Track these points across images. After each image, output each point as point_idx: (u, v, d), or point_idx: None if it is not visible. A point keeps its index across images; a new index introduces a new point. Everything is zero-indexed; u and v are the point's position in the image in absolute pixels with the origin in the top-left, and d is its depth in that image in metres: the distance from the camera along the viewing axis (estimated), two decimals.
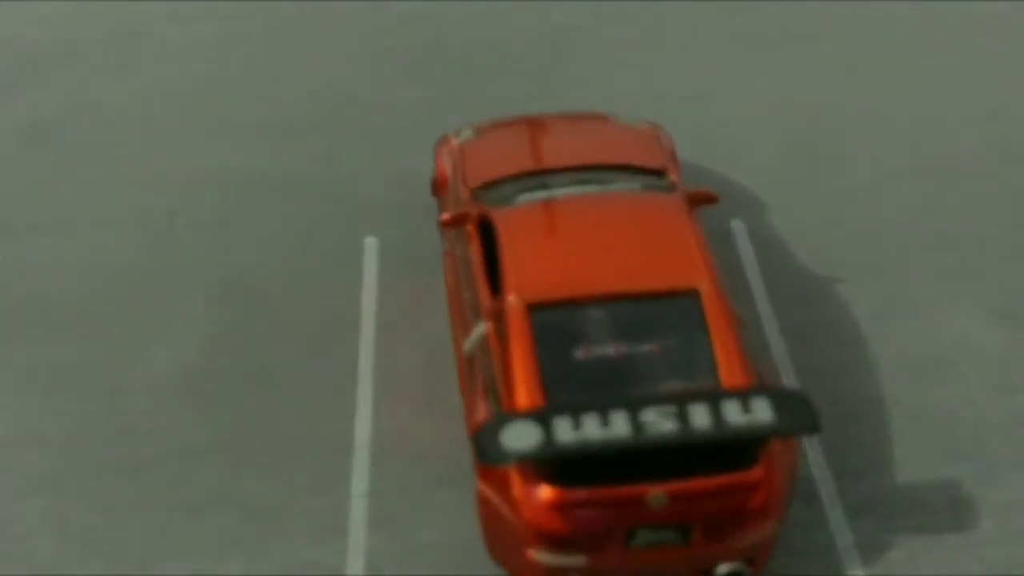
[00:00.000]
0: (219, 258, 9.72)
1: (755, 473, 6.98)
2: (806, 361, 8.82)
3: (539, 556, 6.96)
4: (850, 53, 12.22)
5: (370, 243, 9.80)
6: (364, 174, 10.57)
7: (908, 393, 8.50)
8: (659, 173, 9.05)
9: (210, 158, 10.81)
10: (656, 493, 6.83)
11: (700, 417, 6.77)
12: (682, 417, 6.76)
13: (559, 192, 8.44)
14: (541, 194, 8.43)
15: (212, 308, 9.25)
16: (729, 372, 7.30)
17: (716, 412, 6.80)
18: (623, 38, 12.38)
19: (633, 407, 6.81)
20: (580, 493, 6.84)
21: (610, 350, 7.41)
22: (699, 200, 8.71)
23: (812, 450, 8.16)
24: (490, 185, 8.91)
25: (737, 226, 10.06)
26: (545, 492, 6.88)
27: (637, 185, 8.68)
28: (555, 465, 6.91)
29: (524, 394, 7.17)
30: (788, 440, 7.32)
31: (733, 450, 7.03)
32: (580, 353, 7.39)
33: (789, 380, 8.67)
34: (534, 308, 7.51)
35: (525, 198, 8.40)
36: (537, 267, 7.75)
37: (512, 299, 7.55)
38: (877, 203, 10.22)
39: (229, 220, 10.11)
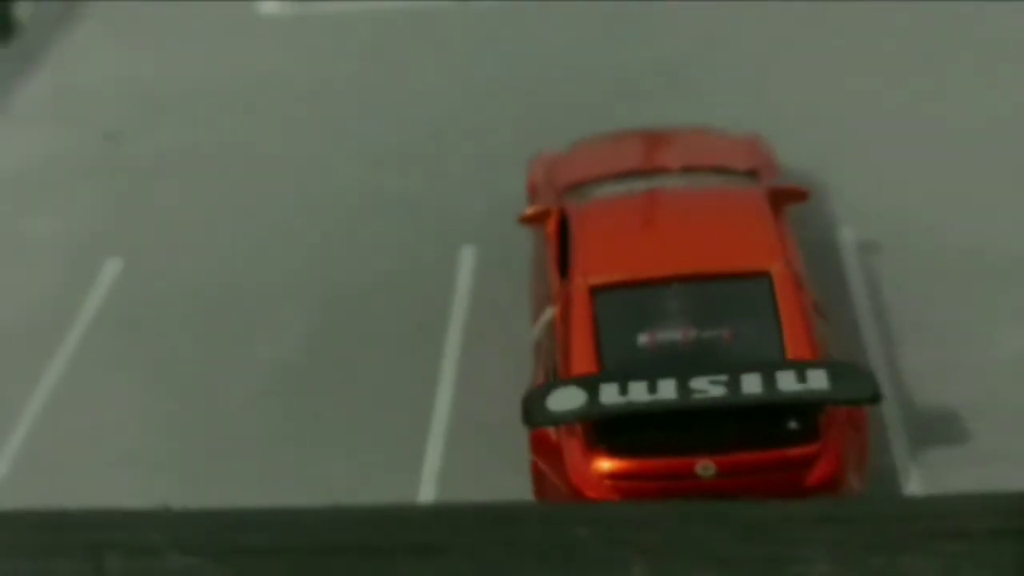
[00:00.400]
0: (327, 267, 10.12)
1: (811, 449, 6.79)
2: (906, 363, 8.54)
3: None
4: (970, 70, 11.95)
5: (467, 253, 10.06)
6: (469, 193, 10.89)
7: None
8: (749, 174, 9.01)
9: (333, 180, 11.33)
10: (706, 463, 6.72)
11: (751, 384, 6.66)
12: (733, 384, 6.66)
13: (638, 187, 8.50)
14: (620, 188, 8.51)
15: (315, 313, 9.62)
16: (796, 353, 7.14)
17: (770, 380, 6.67)
18: (734, 61, 12.43)
19: (684, 375, 6.74)
20: (630, 463, 6.79)
21: (676, 331, 7.34)
22: (785, 196, 8.59)
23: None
24: (577, 186, 9.04)
25: (846, 233, 9.85)
26: (596, 462, 6.85)
27: (721, 182, 8.66)
28: (607, 436, 6.87)
29: (579, 367, 7.19)
30: (857, 421, 7.10)
31: (793, 428, 6.85)
32: (644, 333, 7.36)
33: (885, 382, 8.38)
34: (597, 289, 7.55)
35: (604, 192, 8.49)
36: (604, 252, 7.82)
37: (577, 281, 7.61)
38: (991, 215, 9.90)
39: (342, 233, 10.53)
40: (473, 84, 12.56)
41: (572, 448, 6.93)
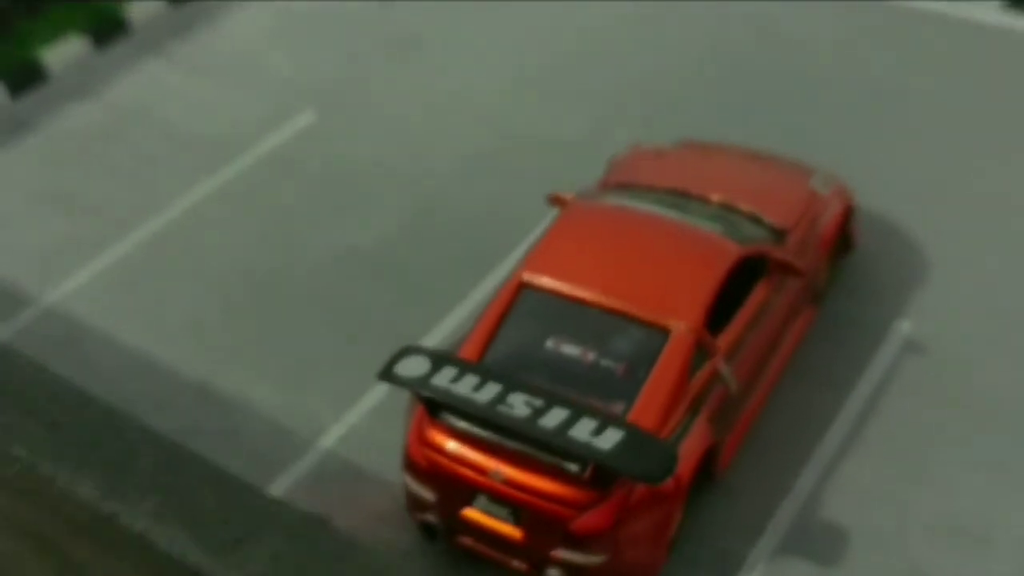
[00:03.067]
0: (456, 184, 11.40)
1: (586, 495, 7.33)
2: (833, 483, 8.58)
3: (406, 477, 7.96)
4: None
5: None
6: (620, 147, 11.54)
7: None
8: (777, 232, 9.07)
9: (508, 123, 12.31)
10: (499, 469, 7.50)
11: (553, 419, 7.27)
12: (538, 413, 7.31)
13: (645, 206, 8.89)
14: (627, 201, 8.95)
15: (412, 217, 10.98)
16: (641, 410, 7.60)
17: (568, 423, 7.24)
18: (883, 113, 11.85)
19: (509, 388, 7.47)
20: (441, 438, 7.70)
21: (567, 347, 7.99)
22: (779, 265, 8.66)
23: None
24: (612, 186, 9.58)
25: (901, 327, 9.62)
26: (425, 428, 7.84)
27: (732, 228, 8.83)
28: (437, 411, 7.76)
29: (469, 346, 8.09)
30: (662, 494, 7.49)
31: (574, 470, 7.37)
32: (539, 338, 8.08)
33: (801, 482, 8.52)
34: (526, 286, 8.30)
35: (613, 200, 8.98)
36: (554, 256, 8.44)
37: (516, 273, 8.39)
38: None
39: (495, 165, 11.60)
40: (693, 64, 12.92)
41: (419, 411, 7.94)
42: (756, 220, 9.15)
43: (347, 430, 9.11)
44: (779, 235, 9.06)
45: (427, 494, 7.89)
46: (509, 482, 7.48)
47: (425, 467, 7.81)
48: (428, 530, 7.99)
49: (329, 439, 9.03)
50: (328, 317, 10.00)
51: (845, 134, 11.58)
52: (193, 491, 5.74)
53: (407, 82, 12.68)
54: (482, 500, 7.66)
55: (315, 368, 9.58)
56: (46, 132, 12.28)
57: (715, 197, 9.29)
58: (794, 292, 8.95)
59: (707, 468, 8.31)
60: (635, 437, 7.21)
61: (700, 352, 7.98)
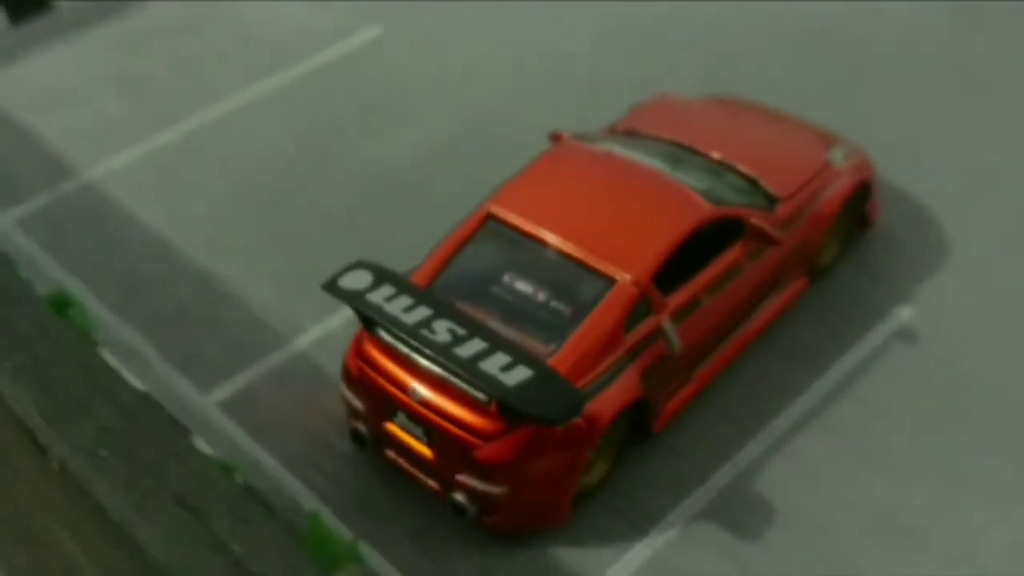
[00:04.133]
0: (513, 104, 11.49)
1: (491, 426, 7.42)
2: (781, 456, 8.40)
3: (342, 385, 8.19)
4: None
5: None
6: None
7: None
8: (770, 197, 8.81)
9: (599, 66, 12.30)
10: (418, 387, 7.65)
11: (469, 349, 7.36)
12: (458, 341, 7.41)
13: (634, 154, 8.77)
14: (620, 148, 8.84)
15: (453, 141, 11.10)
16: (566, 354, 7.61)
17: (484, 354, 7.33)
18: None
19: (439, 314, 7.58)
20: (373, 351, 7.89)
21: (521, 284, 8.04)
22: (756, 232, 8.45)
23: None
24: (620, 131, 9.49)
25: (901, 314, 9.25)
26: (362, 340, 8.04)
27: (719, 187, 8.64)
28: (372, 325, 7.91)
29: (423, 269, 8.22)
30: (569, 439, 7.51)
31: (484, 400, 7.46)
32: (496, 271, 8.14)
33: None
34: (492, 218, 8.35)
35: (607, 145, 8.89)
36: (526, 193, 8.45)
37: (486, 203, 8.43)
38: None
39: (547, 102, 11.59)
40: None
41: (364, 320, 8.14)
42: (752, 183, 8.92)
43: (325, 334, 9.39)
44: (772, 201, 8.82)
45: (357, 403, 8.11)
46: (425, 402, 7.63)
47: (357, 377, 8.03)
48: (358, 438, 8.21)
49: (305, 340, 9.33)
50: (344, 229, 10.25)
51: (901, 112, 11.09)
52: (53, 361, 6.09)
53: (480, 16, 12.73)
54: (401, 417, 7.83)
55: (314, 275, 9.85)
56: (125, 22, 12.86)
57: (716, 155, 9.09)
58: (775, 261, 8.71)
59: (643, 424, 8.26)
60: (542, 377, 7.23)
61: (644, 306, 7.90)
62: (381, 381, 7.85)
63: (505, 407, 7.31)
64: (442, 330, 7.50)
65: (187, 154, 11.12)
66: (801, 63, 11.69)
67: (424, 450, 7.79)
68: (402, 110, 11.45)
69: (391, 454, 8.11)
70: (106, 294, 9.79)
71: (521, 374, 7.25)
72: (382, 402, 7.89)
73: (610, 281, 7.85)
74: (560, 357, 7.60)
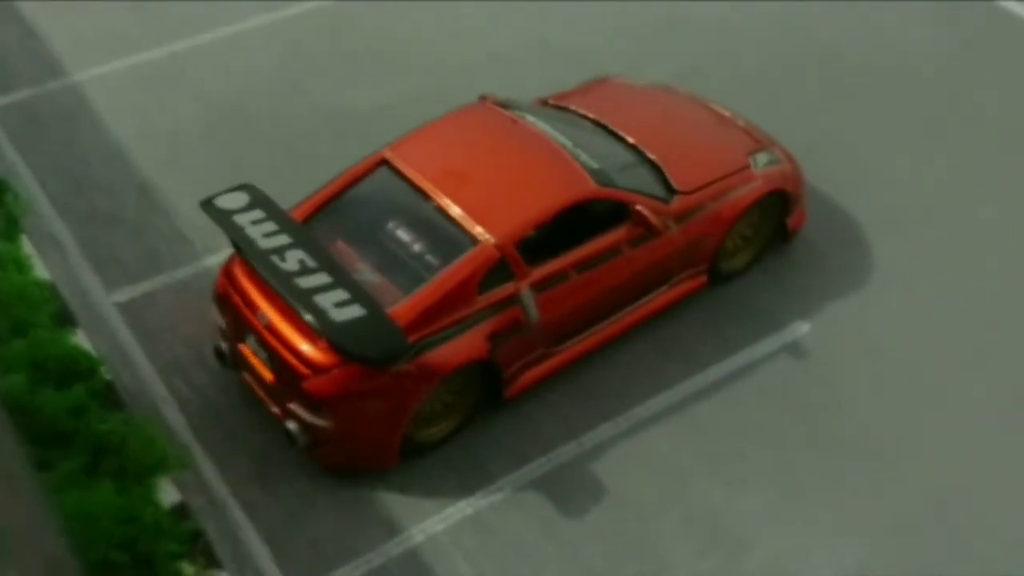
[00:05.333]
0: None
1: (326, 360, 7.58)
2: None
3: (211, 301, 8.47)
4: None
5: None
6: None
7: None
8: (671, 189, 8.77)
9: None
10: (265, 313, 7.88)
11: (311, 281, 7.57)
12: (303, 272, 7.61)
13: (541, 124, 8.82)
14: (532, 116, 8.90)
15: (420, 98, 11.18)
16: (412, 303, 7.74)
17: (324, 288, 7.52)
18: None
19: (296, 244, 7.78)
20: (237, 272, 8.15)
21: (401, 232, 8.20)
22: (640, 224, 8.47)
23: None
24: (547, 103, 9.58)
25: (798, 328, 9.11)
26: (232, 255, 8.30)
27: (615, 168, 8.66)
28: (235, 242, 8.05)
29: (308, 202, 8.44)
30: (400, 387, 7.65)
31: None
32: (379, 215, 8.32)
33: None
34: (384, 163, 8.51)
35: (521, 112, 8.95)
36: (425, 146, 8.62)
37: (383, 149, 8.60)
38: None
39: (518, 71, 11.64)
40: None
41: None
42: (657, 171, 8.89)
43: None
44: (670, 193, 8.77)
45: (220, 321, 8.38)
46: (270, 327, 7.86)
47: (221, 295, 8.31)
48: (220, 356, 8.48)
49: (215, 260, 9.58)
50: (292, 165, 10.42)
51: (869, 132, 10.86)
52: None
53: None
54: (252, 339, 8.08)
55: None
56: None
57: (631, 138, 9.08)
58: (661, 253, 8.65)
59: (495, 388, 8.33)
60: (372, 318, 7.41)
61: (503, 270, 7.97)
62: (238, 301, 8.10)
63: (330, 341, 7.49)
64: (293, 260, 7.71)
65: (169, 72, 11.52)
66: (786, 73, 11.56)
67: (267, 375, 8.02)
68: (383, 63, 11.65)
69: (246, 376, 8.36)
70: (51, 188, 10.27)
71: (352, 312, 7.42)
72: (238, 322, 8.15)
73: (474, 241, 7.95)
74: (406, 304, 7.73)
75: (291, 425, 7.92)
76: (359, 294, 7.50)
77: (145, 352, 8.99)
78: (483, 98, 9.42)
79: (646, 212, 8.40)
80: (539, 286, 8.14)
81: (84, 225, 9.96)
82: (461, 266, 7.86)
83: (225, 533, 7.91)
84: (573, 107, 9.44)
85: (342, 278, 7.59)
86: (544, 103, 9.61)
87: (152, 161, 10.54)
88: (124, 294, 9.43)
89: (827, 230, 9.90)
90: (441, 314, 7.78)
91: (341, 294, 7.50)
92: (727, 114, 9.79)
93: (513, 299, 8.04)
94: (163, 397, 8.68)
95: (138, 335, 9.11)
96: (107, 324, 9.18)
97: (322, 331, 7.35)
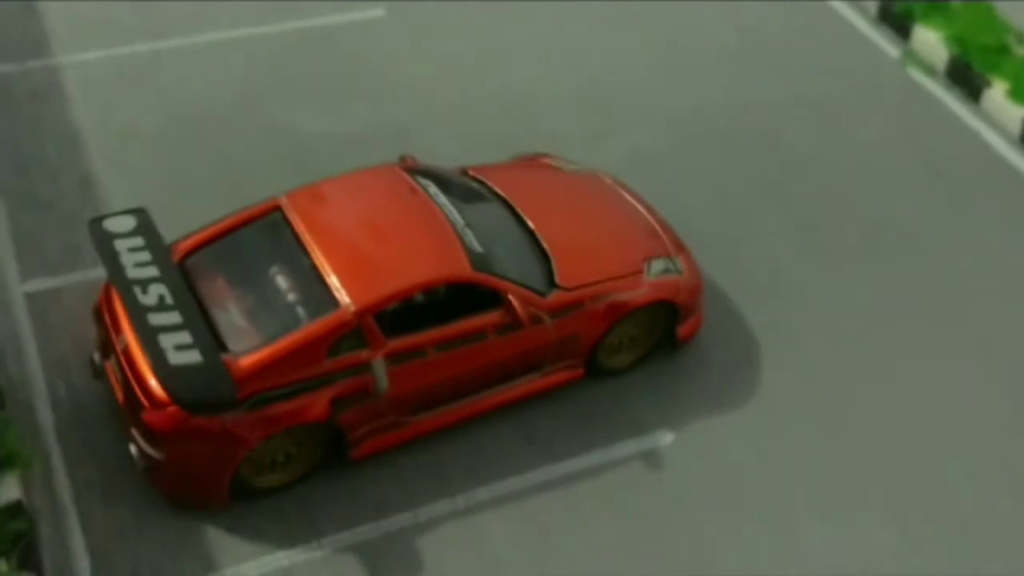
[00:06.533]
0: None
1: (162, 394, 7.82)
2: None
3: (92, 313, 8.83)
4: None
5: None
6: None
7: None
8: (552, 282, 8.87)
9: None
10: (123, 337, 8.18)
11: (161, 319, 7.89)
12: (158, 308, 7.93)
13: (441, 199, 8.97)
14: (432, 188, 9.05)
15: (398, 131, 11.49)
16: (257, 354, 7.96)
17: (173, 328, 7.80)
18: None
19: (162, 279, 8.08)
20: (112, 289, 8.44)
21: (280, 278, 8.42)
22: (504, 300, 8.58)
23: None
24: (469, 175, 9.77)
25: (662, 437, 9.16)
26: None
27: (505, 254, 8.82)
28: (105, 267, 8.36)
29: (195, 236, 8.75)
30: (228, 436, 7.91)
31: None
32: (261, 257, 8.57)
33: None
34: (277, 209, 8.74)
35: (427, 182, 9.13)
36: (321, 200, 8.85)
37: (280, 197, 8.84)
38: None
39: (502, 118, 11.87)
40: None
41: None
42: (546, 262, 8.99)
43: None
44: (551, 286, 8.87)
45: (95, 334, 8.73)
46: (125, 352, 8.16)
47: (96, 310, 8.66)
48: (93, 366, 8.81)
49: None
50: (228, 180, 10.65)
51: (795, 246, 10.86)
52: None
53: (482, 20, 13.00)
54: (113, 358, 8.40)
55: (180, 213, 10.00)
56: None
57: (532, 224, 9.20)
58: (529, 342, 8.77)
59: (340, 446, 8.53)
60: (207, 367, 7.68)
61: (358, 337, 8.16)
62: (107, 320, 8.43)
63: (160, 382, 7.77)
64: (153, 294, 8.01)
65: (148, 70, 11.91)
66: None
67: (120, 395, 8.34)
68: (356, 92, 11.91)
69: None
70: (8, 173, 10.72)
71: (189, 358, 7.70)
72: (105, 340, 8.48)
73: (336, 304, 8.16)
74: (254, 355, 7.97)
75: (132, 448, 8.23)
76: (202, 340, 7.77)
77: (38, 345, 9.37)
78: (403, 159, 9.62)
79: (515, 303, 8.52)
80: (394, 357, 8.32)
81: (20, 207, 10.40)
82: (315, 327, 8.07)
83: (55, 538, 8.26)
84: (489, 183, 9.59)
85: (192, 321, 7.86)
86: (464, 173, 9.76)
87: (102, 155, 10.94)
88: (36, 284, 9.82)
89: (724, 341, 9.91)
90: (285, 370, 8.00)
91: (185, 337, 7.77)
92: (645, 212, 9.85)
93: (362, 367, 8.23)
94: (40, 393, 9.05)
95: (37, 327, 9.49)
96: (11, 311, 9.58)
97: (155, 371, 7.63)
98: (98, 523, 8.35)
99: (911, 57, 12.85)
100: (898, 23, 13.13)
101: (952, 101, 12.40)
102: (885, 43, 13.22)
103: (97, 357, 8.72)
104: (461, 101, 11.96)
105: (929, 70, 12.70)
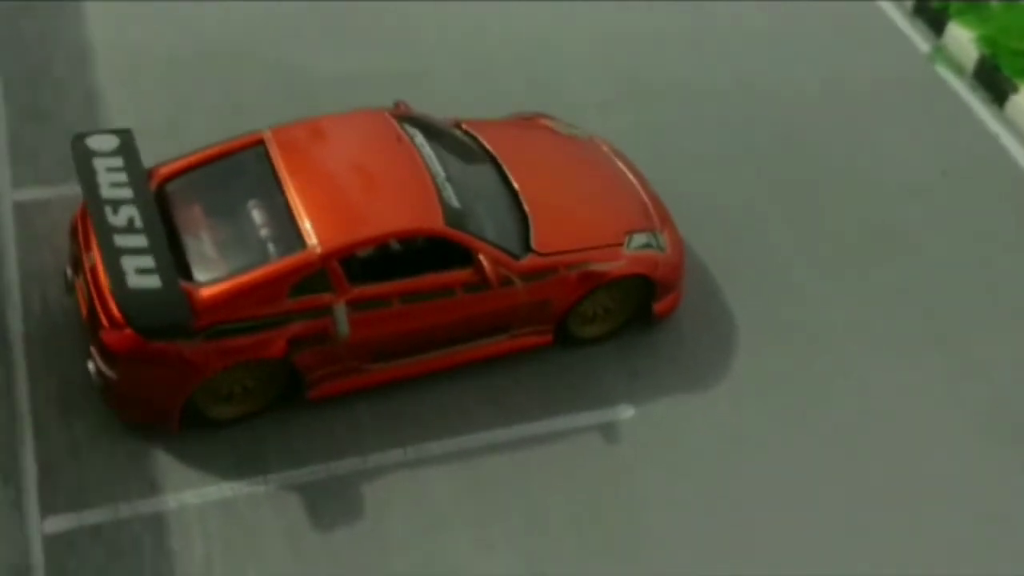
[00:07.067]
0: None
1: (117, 314, 7.87)
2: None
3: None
4: None
5: None
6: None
7: None
8: (528, 245, 8.81)
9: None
10: (92, 255, 8.23)
11: (127, 241, 7.91)
12: (127, 230, 7.96)
13: (426, 150, 8.90)
14: (420, 138, 8.98)
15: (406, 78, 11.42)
16: (222, 287, 7.99)
17: (136, 251, 7.83)
18: None
19: (134, 201, 8.11)
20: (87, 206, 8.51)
21: (256, 212, 8.39)
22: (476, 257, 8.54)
23: None
24: (461, 128, 9.72)
25: (623, 411, 9.10)
26: None
27: (485, 211, 8.79)
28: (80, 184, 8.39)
29: (175, 162, 8.76)
30: (182, 361, 7.95)
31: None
32: (238, 188, 8.56)
33: None
34: (260, 143, 8.73)
35: (411, 130, 9.06)
36: (304, 138, 8.79)
37: (264, 131, 8.81)
38: None
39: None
40: None
41: None
42: (524, 223, 8.92)
43: None
44: (526, 249, 8.80)
45: (69, 251, 8.79)
46: (93, 271, 8.22)
47: (72, 225, 8.72)
48: (65, 281, 8.88)
49: None
50: (231, 112, 10.69)
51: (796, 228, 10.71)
52: None
53: None
54: (82, 276, 8.45)
55: (173, 136, 10.22)
56: None
57: (516, 184, 9.12)
58: (497, 303, 8.72)
59: (299, 386, 8.57)
60: (164, 292, 7.71)
61: (322, 279, 8.14)
62: (80, 237, 8.48)
63: (116, 304, 7.81)
64: (124, 215, 8.04)
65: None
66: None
67: (85, 312, 8.40)
68: (373, 37, 11.84)
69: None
70: (7, 72, 10.79)
71: (148, 282, 7.73)
72: (77, 255, 8.54)
73: (303, 244, 8.15)
74: (216, 286, 8.00)
75: (91, 365, 8.30)
76: (164, 266, 7.79)
77: (18, 254, 9.46)
78: (396, 104, 9.55)
79: (485, 263, 8.47)
80: (358, 304, 8.31)
81: (20, 116, 10.47)
82: (281, 265, 8.07)
83: (6, 444, 8.38)
84: (481, 138, 9.50)
85: (158, 246, 7.88)
86: (457, 125, 9.68)
87: (109, 73, 10.97)
88: (26, 194, 9.91)
89: (705, 324, 9.80)
90: (246, 305, 8.02)
91: (148, 261, 7.80)
92: (637, 184, 9.74)
93: (324, 310, 8.23)
94: (14, 303, 9.15)
95: (21, 236, 9.58)
96: None
97: (112, 292, 7.68)
98: (52, 436, 8.45)
99: (940, 54, 12.54)
100: (933, 18, 12.82)
101: (975, 102, 12.12)
102: (918, 37, 12.93)
103: (69, 272, 8.79)
104: (481, 53, 11.86)
105: (957, 69, 12.40)
